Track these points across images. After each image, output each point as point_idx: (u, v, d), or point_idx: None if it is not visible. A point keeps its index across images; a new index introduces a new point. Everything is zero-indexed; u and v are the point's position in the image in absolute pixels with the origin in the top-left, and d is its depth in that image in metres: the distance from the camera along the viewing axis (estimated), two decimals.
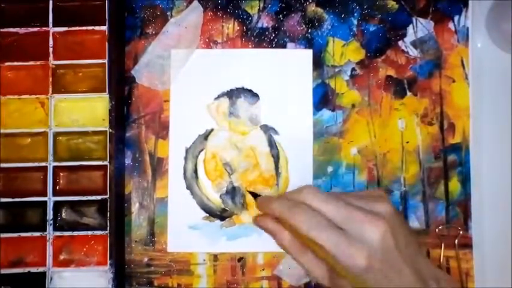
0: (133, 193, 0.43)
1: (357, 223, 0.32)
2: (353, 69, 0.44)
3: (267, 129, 0.44)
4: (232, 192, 0.43)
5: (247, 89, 0.44)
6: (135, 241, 0.43)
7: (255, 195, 0.36)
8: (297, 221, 0.33)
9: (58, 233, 0.40)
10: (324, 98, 0.44)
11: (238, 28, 0.44)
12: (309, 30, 0.44)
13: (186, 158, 0.43)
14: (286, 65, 0.44)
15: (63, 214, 0.41)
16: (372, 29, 0.44)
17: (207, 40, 0.44)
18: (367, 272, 0.32)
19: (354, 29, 0.44)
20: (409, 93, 0.44)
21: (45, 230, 0.40)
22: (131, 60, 0.44)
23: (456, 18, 0.44)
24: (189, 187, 0.43)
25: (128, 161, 0.43)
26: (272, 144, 0.44)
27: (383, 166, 0.44)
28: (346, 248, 0.31)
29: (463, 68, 0.44)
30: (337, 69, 0.44)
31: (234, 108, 0.44)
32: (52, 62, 0.42)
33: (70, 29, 0.42)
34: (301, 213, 0.32)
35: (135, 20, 0.44)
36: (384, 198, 0.34)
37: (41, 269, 0.40)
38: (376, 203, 0.33)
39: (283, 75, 0.44)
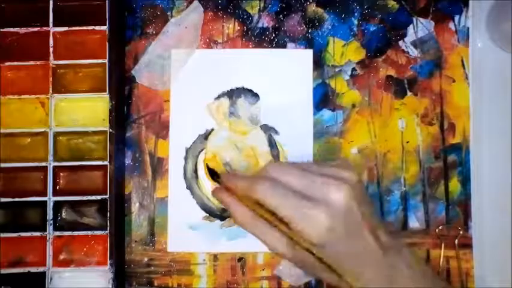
0: (134, 193, 0.43)
1: (320, 187, 0.32)
2: (353, 69, 0.44)
3: (267, 129, 0.44)
4: None
5: (247, 89, 0.44)
6: (135, 241, 0.43)
7: (214, 173, 0.37)
8: (259, 193, 0.33)
9: (58, 233, 0.40)
10: (324, 98, 0.44)
11: (238, 28, 0.44)
12: (309, 30, 0.44)
13: (186, 158, 0.43)
14: (287, 65, 0.44)
15: (63, 214, 0.41)
16: (372, 29, 0.44)
17: (207, 40, 0.44)
18: (329, 235, 0.31)
19: (354, 29, 0.44)
20: (409, 93, 0.44)
21: (45, 230, 0.40)
22: (131, 60, 0.44)
23: (456, 18, 0.44)
24: (189, 187, 0.43)
25: (128, 161, 0.43)
26: (272, 144, 0.44)
27: (383, 166, 0.44)
28: (308, 210, 0.31)
29: (463, 68, 0.44)
30: (337, 69, 0.44)
31: (234, 108, 0.44)
32: (52, 61, 0.42)
33: (70, 28, 0.42)
34: (263, 185, 0.32)
35: (136, 20, 0.44)
36: (350, 167, 0.34)
37: (41, 269, 0.40)
38: (341, 171, 0.34)
39: (284, 75, 0.44)
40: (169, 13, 0.44)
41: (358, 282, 0.33)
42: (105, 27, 0.42)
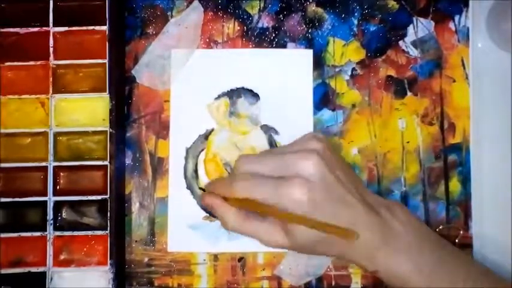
0: (134, 193, 0.43)
1: (290, 165, 0.33)
2: (353, 69, 0.44)
3: (267, 129, 0.44)
4: None
5: (247, 89, 0.44)
6: (136, 241, 0.43)
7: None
8: (238, 192, 0.33)
9: (58, 233, 0.40)
10: (324, 98, 0.44)
11: (238, 28, 0.44)
12: (309, 30, 0.44)
13: (186, 158, 0.43)
14: (287, 65, 0.44)
15: (64, 214, 0.41)
16: (372, 29, 0.44)
17: (207, 40, 0.44)
18: (312, 208, 0.32)
19: (354, 29, 0.44)
20: (409, 93, 0.44)
21: (46, 230, 0.40)
22: (131, 60, 0.44)
23: (457, 18, 0.44)
24: (189, 187, 0.43)
25: (128, 160, 0.44)
26: (272, 144, 0.43)
27: (383, 166, 0.44)
28: (284, 189, 0.32)
29: (464, 68, 0.44)
30: (337, 69, 0.44)
31: (234, 108, 0.44)
32: (52, 62, 0.42)
33: (70, 29, 0.42)
34: (238, 181, 0.33)
35: (136, 20, 0.44)
36: (316, 137, 0.35)
37: (41, 269, 0.40)
38: (307, 143, 0.34)
39: (284, 75, 0.44)
40: (169, 13, 0.44)
41: (356, 249, 0.33)
42: (105, 27, 0.42)
